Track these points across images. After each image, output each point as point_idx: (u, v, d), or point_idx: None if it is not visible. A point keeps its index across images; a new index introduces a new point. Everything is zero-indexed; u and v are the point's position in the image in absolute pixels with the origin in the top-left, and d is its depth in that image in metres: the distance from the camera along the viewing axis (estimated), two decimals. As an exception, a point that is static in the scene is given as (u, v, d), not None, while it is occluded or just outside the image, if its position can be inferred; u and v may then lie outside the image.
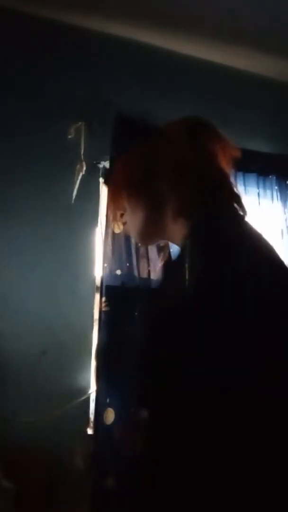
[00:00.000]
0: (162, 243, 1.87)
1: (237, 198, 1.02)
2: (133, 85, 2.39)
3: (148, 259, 2.22)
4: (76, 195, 2.17)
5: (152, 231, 1.07)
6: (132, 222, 1.08)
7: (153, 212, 1.03)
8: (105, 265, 2.16)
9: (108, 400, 2.04)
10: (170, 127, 1.14)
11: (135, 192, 1.06)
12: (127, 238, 2.20)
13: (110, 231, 2.18)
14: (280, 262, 0.90)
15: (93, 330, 2.15)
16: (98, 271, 2.20)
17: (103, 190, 2.30)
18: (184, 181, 0.99)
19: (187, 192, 0.99)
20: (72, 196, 2.16)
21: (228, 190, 1.02)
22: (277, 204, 2.62)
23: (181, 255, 0.96)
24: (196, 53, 2.57)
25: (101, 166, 2.28)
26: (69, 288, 2.14)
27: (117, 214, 1.13)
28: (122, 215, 1.12)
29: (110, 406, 2.03)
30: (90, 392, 2.09)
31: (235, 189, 1.03)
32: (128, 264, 2.19)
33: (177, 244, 1.02)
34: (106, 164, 2.27)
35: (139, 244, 1.18)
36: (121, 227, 2.21)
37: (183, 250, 0.96)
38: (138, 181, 1.05)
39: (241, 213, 1.03)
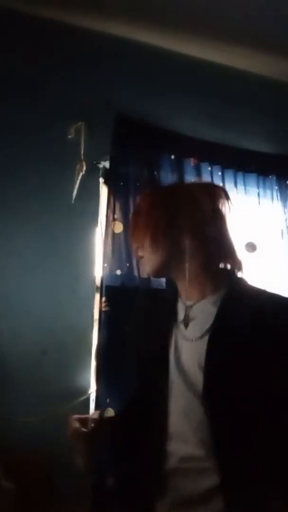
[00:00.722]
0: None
1: (240, 264, 1.26)
2: (133, 85, 2.39)
3: (148, 259, 2.22)
4: (76, 195, 2.16)
5: (166, 270, 1.27)
6: (150, 259, 1.24)
7: (172, 257, 1.22)
8: (105, 265, 2.16)
9: (108, 400, 2.04)
10: (192, 186, 1.44)
11: (160, 235, 1.22)
12: (127, 238, 2.20)
13: (110, 231, 2.18)
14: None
15: (93, 330, 2.15)
16: (98, 271, 2.20)
17: (103, 190, 2.30)
18: (209, 238, 1.21)
19: (213, 249, 1.22)
20: (72, 196, 2.16)
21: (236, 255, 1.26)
22: (277, 204, 2.62)
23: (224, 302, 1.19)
24: (196, 53, 2.57)
25: (101, 166, 2.28)
26: (69, 288, 2.14)
27: (136, 248, 1.30)
28: (138, 247, 1.28)
29: (110, 406, 2.03)
30: (90, 392, 2.09)
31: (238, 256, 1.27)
32: (128, 264, 2.19)
33: (183, 287, 1.25)
34: (106, 164, 2.27)
35: (151, 277, 1.44)
36: (121, 227, 2.21)
37: (225, 299, 1.19)
38: (162, 227, 1.22)
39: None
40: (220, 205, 1.24)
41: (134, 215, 1.37)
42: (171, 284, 1.31)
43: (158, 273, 1.29)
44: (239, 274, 1.25)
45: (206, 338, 1.15)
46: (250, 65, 2.68)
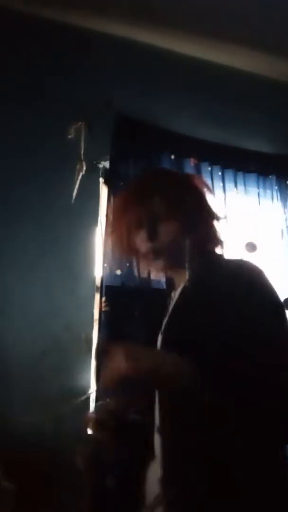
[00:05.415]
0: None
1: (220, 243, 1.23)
2: (133, 85, 2.39)
3: (148, 259, 2.21)
4: (76, 195, 2.16)
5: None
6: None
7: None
8: (105, 265, 2.16)
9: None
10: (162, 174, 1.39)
11: (132, 237, 1.19)
12: (127, 238, 2.20)
13: (110, 231, 2.18)
14: None
15: (93, 330, 2.15)
16: (98, 271, 2.20)
17: (103, 190, 2.30)
18: (206, 219, 1.19)
19: (210, 229, 1.20)
20: (72, 196, 2.16)
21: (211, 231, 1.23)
22: (277, 204, 2.63)
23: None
24: (196, 53, 2.57)
25: (101, 166, 2.28)
26: (69, 288, 2.14)
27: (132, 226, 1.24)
28: (136, 229, 1.22)
29: (110, 406, 2.03)
30: (90, 392, 2.09)
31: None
32: (128, 264, 2.19)
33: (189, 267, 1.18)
34: (106, 164, 2.27)
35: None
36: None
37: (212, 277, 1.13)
38: (139, 213, 1.17)
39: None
40: (194, 184, 1.23)
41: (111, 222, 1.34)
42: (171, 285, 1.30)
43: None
44: (217, 251, 1.22)
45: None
46: (250, 65, 2.68)
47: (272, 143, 2.65)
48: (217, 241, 1.21)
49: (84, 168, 2.20)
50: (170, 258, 1.17)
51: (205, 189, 1.24)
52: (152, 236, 1.16)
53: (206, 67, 2.61)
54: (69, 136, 2.20)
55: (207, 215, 1.21)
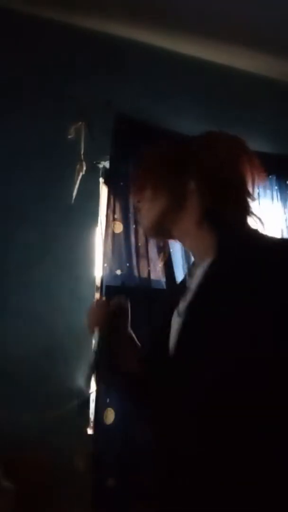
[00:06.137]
0: (161, 242, 1.87)
1: (253, 212, 1.04)
2: (133, 85, 2.39)
3: (148, 259, 2.22)
4: (76, 195, 2.16)
5: (164, 224, 1.07)
6: (149, 211, 1.08)
7: (174, 206, 1.04)
8: (105, 265, 2.16)
9: (108, 400, 2.04)
10: (206, 136, 1.17)
11: (161, 182, 1.06)
12: (127, 238, 2.20)
13: (110, 231, 2.18)
14: None
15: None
16: (98, 271, 2.20)
17: (103, 190, 2.30)
18: (215, 187, 1.01)
19: (217, 198, 1.01)
20: (72, 196, 2.16)
21: (248, 204, 1.04)
22: (277, 204, 2.62)
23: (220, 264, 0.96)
24: (197, 53, 2.57)
25: (101, 166, 2.28)
26: (69, 288, 2.14)
27: (137, 203, 1.13)
28: (138, 201, 1.12)
29: (110, 406, 2.03)
30: (90, 392, 2.08)
31: (251, 204, 1.05)
32: (128, 264, 2.19)
33: (189, 246, 1.07)
34: (106, 164, 2.27)
35: (146, 234, 1.20)
36: (121, 227, 2.21)
37: (222, 258, 0.96)
38: (166, 173, 1.06)
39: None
40: (235, 155, 1.07)
41: (139, 167, 1.20)
42: (171, 284, 1.25)
43: (155, 228, 1.10)
44: (253, 227, 1.02)
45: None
46: (250, 65, 2.68)
47: (272, 143, 2.65)
48: (253, 215, 1.03)
49: (84, 168, 2.19)
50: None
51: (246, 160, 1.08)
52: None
53: (206, 67, 2.61)
54: (69, 136, 2.20)
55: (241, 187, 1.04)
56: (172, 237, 1.11)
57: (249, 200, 1.03)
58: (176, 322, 1.02)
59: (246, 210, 1.02)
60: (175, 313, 1.03)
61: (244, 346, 0.87)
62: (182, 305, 1.01)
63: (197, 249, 1.04)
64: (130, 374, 1.16)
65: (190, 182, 1.02)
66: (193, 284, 1.00)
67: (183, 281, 1.10)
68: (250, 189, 1.04)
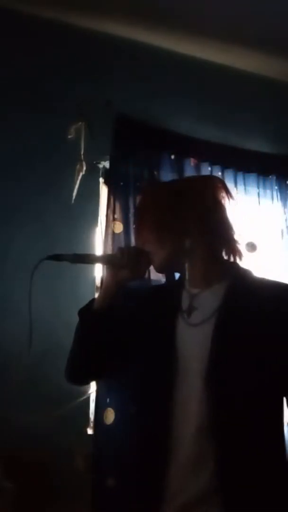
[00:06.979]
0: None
1: (240, 254, 1.30)
2: (133, 85, 2.39)
3: (148, 259, 2.21)
4: (76, 195, 2.16)
5: (173, 264, 1.30)
6: (158, 254, 1.28)
7: (179, 250, 1.25)
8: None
9: (108, 400, 2.04)
10: (192, 179, 1.53)
11: (164, 231, 1.25)
12: (127, 238, 2.20)
13: (110, 231, 2.18)
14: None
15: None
16: (98, 271, 2.20)
17: (103, 190, 2.30)
18: (212, 229, 1.24)
19: (217, 239, 1.26)
20: (72, 196, 2.16)
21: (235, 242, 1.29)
22: (277, 204, 2.62)
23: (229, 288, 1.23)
24: (196, 53, 2.57)
25: (101, 166, 2.28)
26: (69, 288, 2.14)
27: (142, 245, 1.33)
28: (143, 244, 1.32)
29: (110, 406, 2.03)
30: (90, 392, 2.08)
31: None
32: (128, 264, 2.19)
33: (194, 274, 1.27)
34: (106, 164, 2.27)
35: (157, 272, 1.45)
36: (121, 227, 2.21)
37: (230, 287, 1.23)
38: (167, 222, 1.25)
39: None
40: (219, 196, 1.27)
41: (138, 212, 1.41)
42: (172, 279, 1.35)
43: (165, 268, 1.34)
44: (243, 265, 1.29)
45: (212, 321, 1.17)
46: (250, 65, 2.68)
47: (272, 143, 2.65)
48: (239, 253, 1.29)
49: (84, 168, 2.19)
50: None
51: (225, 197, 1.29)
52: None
53: (206, 67, 2.61)
54: (69, 136, 2.20)
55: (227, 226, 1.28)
56: (177, 270, 1.35)
57: (233, 233, 1.27)
58: (188, 333, 1.20)
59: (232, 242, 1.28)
60: (182, 321, 1.22)
61: (272, 361, 1.12)
62: (197, 317, 1.20)
63: (203, 277, 1.25)
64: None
65: (189, 229, 1.23)
66: (206, 303, 1.21)
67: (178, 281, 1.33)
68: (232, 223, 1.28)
